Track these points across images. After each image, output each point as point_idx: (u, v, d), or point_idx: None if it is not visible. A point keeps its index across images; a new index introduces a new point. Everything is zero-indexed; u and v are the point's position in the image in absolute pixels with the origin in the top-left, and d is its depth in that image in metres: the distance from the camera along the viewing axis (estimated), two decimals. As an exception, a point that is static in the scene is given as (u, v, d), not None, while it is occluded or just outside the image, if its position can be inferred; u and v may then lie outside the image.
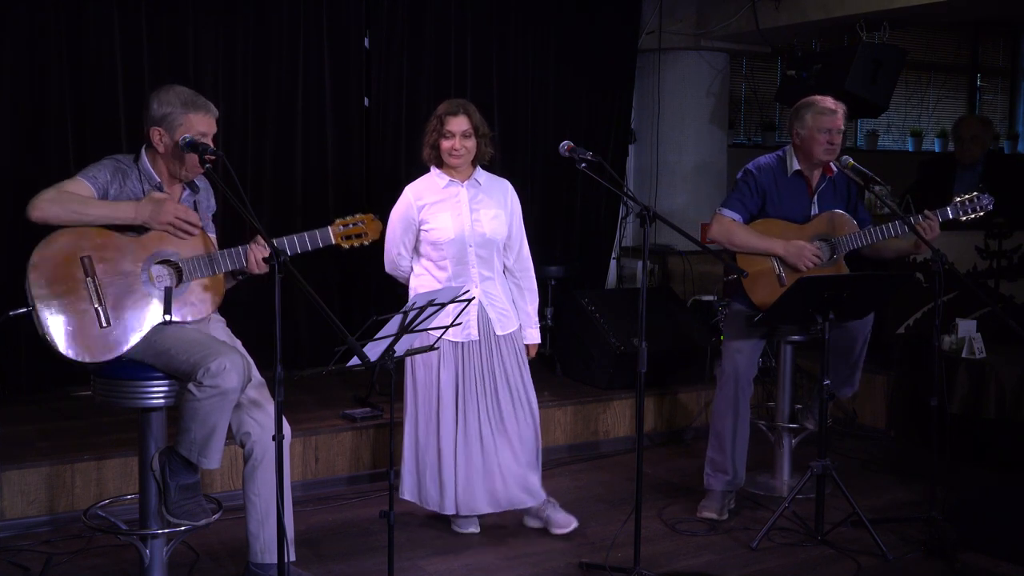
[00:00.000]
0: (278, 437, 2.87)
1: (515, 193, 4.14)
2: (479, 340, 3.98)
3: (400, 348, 3.15)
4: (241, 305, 3.56)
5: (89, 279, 3.12)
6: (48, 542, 3.91)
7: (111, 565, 3.74)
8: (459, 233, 3.94)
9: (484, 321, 3.99)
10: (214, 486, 4.32)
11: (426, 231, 3.97)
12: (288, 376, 2.89)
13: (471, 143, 3.95)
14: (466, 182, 4.01)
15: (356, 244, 3.43)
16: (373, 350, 3.01)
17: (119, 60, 5.23)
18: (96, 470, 4.18)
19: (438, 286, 3.94)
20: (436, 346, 3.33)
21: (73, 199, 3.12)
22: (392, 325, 3.03)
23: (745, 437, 4.39)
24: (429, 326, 3.16)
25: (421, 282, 4.03)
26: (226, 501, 3.59)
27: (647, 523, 4.18)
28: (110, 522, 3.45)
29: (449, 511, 4.03)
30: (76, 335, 3.09)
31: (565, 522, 4.09)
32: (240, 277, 3.40)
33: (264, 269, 3.27)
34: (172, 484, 3.18)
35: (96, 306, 3.12)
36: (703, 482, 4.43)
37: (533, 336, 4.17)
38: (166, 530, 3.28)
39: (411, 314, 3.07)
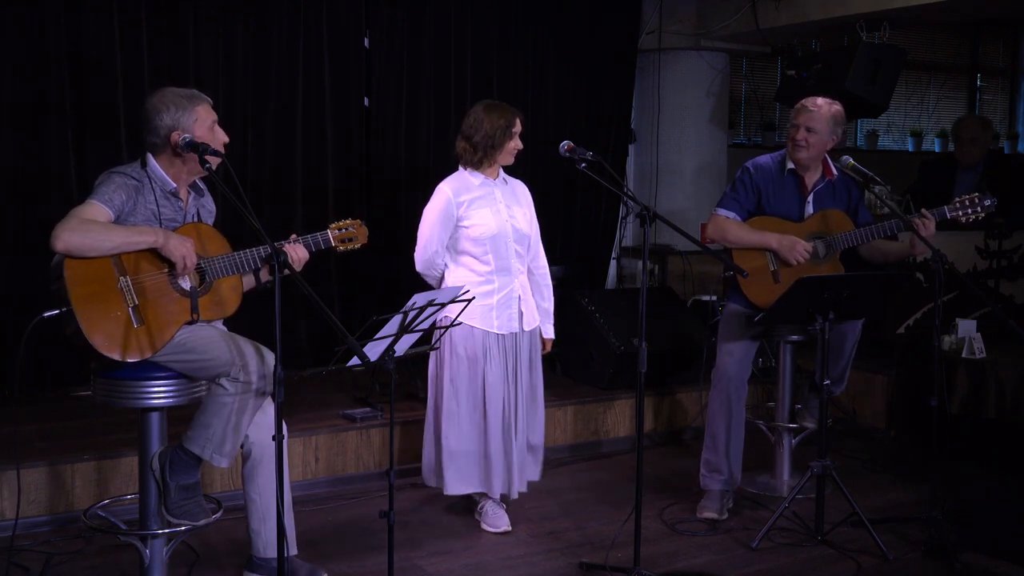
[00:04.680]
0: (278, 437, 2.88)
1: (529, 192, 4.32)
2: (518, 332, 4.12)
3: (400, 348, 3.16)
4: (241, 305, 3.56)
5: (124, 278, 3.12)
6: (48, 542, 3.92)
7: (111, 565, 3.74)
8: (501, 229, 4.05)
9: (520, 314, 4.13)
10: (214, 486, 4.32)
11: (466, 227, 4.04)
12: (288, 376, 2.90)
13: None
14: (496, 181, 4.14)
15: (349, 248, 3.52)
16: (373, 350, 3.01)
17: (119, 60, 5.23)
18: (96, 470, 4.18)
19: (481, 278, 4.05)
20: (436, 346, 3.36)
21: (95, 228, 3.06)
22: (392, 325, 3.04)
23: (740, 438, 4.40)
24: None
25: (459, 278, 4.06)
26: (226, 501, 3.59)
27: (647, 523, 4.18)
28: (110, 522, 3.44)
29: (494, 493, 4.13)
30: (111, 334, 3.07)
31: (498, 523, 4.17)
32: (267, 283, 3.41)
33: (301, 264, 3.35)
34: (172, 484, 3.19)
35: (130, 306, 3.11)
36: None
37: (551, 331, 4.30)
38: (166, 530, 3.28)
39: (411, 314, 3.08)
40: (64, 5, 5.08)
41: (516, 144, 4.08)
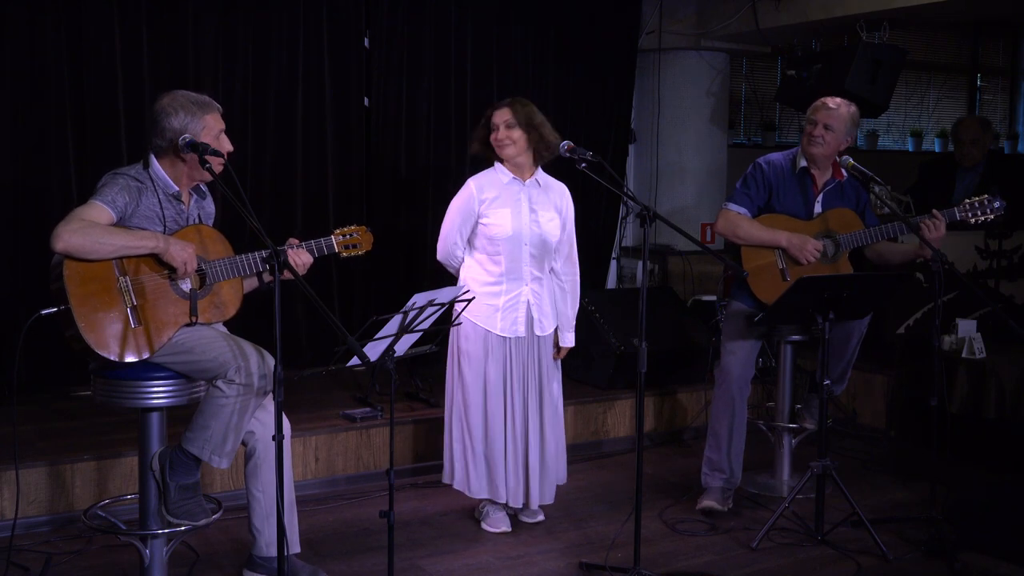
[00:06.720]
0: (278, 437, 2.88)
1: (570, 196, 4.21)
2: (525, 337, 4.07)
3: (400, 348, 3.16)
4: (242, 307, 3.56)
5: (123, 278, 3.12)
6: (48, 542, 3.92)
7: (111, 565, 3.74)
8: (516, 231, 4.00)
9: (530, 319, 4.07)
10: (214, 486, 4.32)
11: (484, 225, 4.02)
12: (288, 376, 2.90)
13: (516, 133, 3.97)
14: (528, 181, 4.06)
15: (352, 254, 3.52)
16: (373, 350, 3.02)
17: (119, 60, 5.22)
18: (96, 470, 4.18)
19: (490, 279, 4.04)
20: (436, 347, 3.37)
21: (96, 230, 3.05)
22: (392, 325, 3.04)
23: (742, 437, 4.41)
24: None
25: (472, 273, 4.09)
26: (226, 501, 3.60)
27: (647, 523, 4.18)
28: (110, 522, 3.45)
29: (500, 499, 4.09)
30: (108, 334, 3.07)
31: (498, 523, 4.17)
32: (270, 284, 3.41)
33: (305, 268, 3.35)
34: (172, 484, 3.19)
35: (128, 306, 3.11)
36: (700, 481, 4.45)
37: (569, 340, 4.21)
38: (166, 530, 3.28)
39: (411, 314, 3.08)
40: (64, 5, 5.08)
41: (496, 136, 3.98)
